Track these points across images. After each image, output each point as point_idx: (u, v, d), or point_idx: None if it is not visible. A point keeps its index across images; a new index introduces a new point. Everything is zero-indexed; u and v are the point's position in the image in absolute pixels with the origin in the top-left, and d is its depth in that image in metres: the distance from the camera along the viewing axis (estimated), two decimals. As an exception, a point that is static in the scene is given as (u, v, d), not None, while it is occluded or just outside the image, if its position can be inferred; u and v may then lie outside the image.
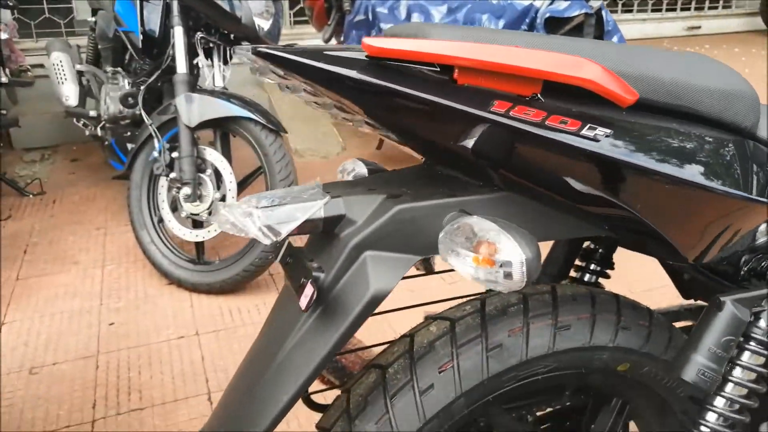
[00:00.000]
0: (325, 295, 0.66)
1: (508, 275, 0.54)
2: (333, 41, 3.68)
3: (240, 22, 2.11)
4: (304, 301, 0.63)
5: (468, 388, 0.75)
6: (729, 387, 0.78)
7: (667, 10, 6.08)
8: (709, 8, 6.25)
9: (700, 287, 1.05)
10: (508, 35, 0.60)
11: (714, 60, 0.67)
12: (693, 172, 0.62)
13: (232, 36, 2.27)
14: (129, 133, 2.60)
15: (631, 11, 5.92)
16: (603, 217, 0.69)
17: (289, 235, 0.65)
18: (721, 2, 6.31)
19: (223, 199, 2.18)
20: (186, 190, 2.14)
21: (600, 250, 1.06)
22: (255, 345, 0.76)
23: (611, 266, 1.07)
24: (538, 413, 1.07)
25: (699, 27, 6.11)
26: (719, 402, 0.78)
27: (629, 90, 0.59)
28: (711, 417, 0.78)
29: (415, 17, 2.68)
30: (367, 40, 0.58)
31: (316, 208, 0.65)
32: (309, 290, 0.63)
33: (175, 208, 2.27)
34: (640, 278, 2.13)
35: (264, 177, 2.14)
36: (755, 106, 0.66)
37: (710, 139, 0.63)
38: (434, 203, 0.64)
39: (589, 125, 0.58)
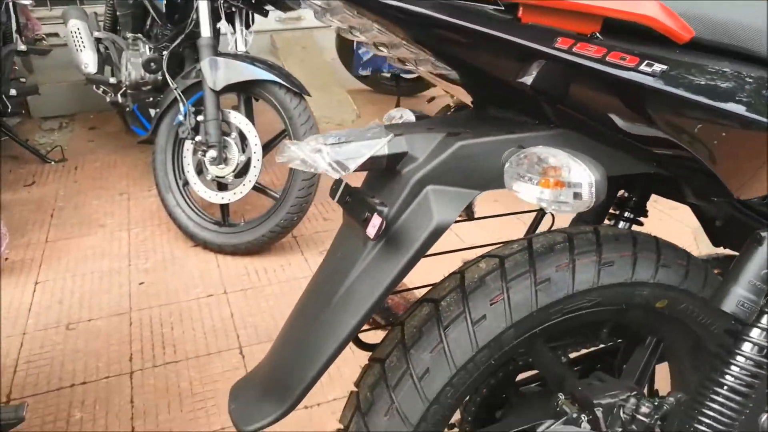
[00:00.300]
0: (389, 227, 0.70)
1: (577, 195, 0.57)
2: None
3: (264, -16, 2.12)
4: (372, 231, 0.67)
5: (517, 320, 0.79)
6: (765, 318, 0.82)
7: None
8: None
9: (730, 234, 1.09)
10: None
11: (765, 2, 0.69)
12: (744, 108, 0.65)
13: (253, 0, 2.27)
14: (151, 99, 2.63)
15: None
16: (654, 154, 0.72)
17: (355, 170, 0.69)
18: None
19: (248, 162, 2.21)
20: (212, 153, 2.17)
21: (634, 198, 1.09)
22: (315, 280, 0.81)
23: (644, 214, 1.10)
24: (573, 355, 1.12)
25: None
26: (755, 333, 0.82)
27: (685, 27, 0.61)
28: (747, 347, 0.82)
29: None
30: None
31: (381, 145, 0.68)
32: (377, 221, 0.67)
33: (200, 171, 2.31)
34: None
35: (288, 139, 2.17)
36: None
37: (762, 78, 0.66)
38: (494, 139, 0.68)
39: (647, 61, 0.61)
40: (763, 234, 0.78)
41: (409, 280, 1.22)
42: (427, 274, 0.91)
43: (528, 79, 0.64)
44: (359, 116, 3.92)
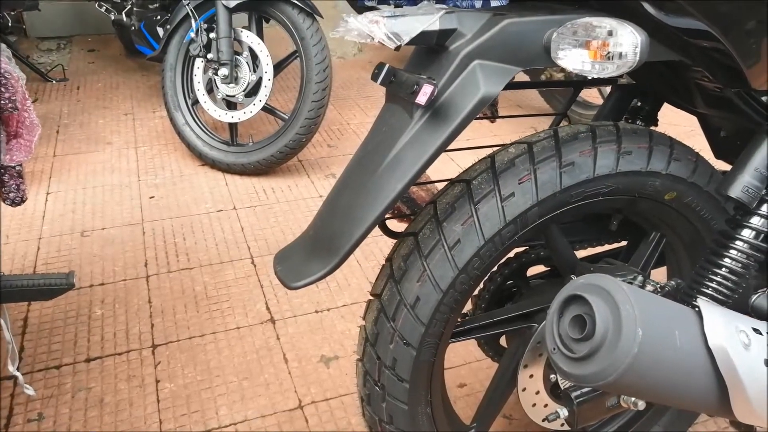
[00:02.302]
0: (437, 98, 0.76)
1: (623, 55, 0.63)
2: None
3: None
4: (423, 98, 0.73)
5: (543, 198, 0.86)
6: (765, 207, 0.90)
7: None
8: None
9: (733, 146, 1.16)
10: None
11: None
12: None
13: None
14: (158, 17, 2.61)
15: None
16: (684, 42, 0.78)
17: (407, 43, 0.74)
18: None
19: (258, 81, 2.24)
20: (224, 71, 2.19)
21: (646, 107, 1.16)
22: (358, 155, 0.87)
23: (655, 123, 1.17)
24: (580, 255, 1.20)
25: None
26: (755, 220, 0.90)
27: None
28: (746, 232, 0.90)
29: None
30: None
31: (433, 20, 0.74)
32: (428, 88, 0.73)
33: (209, 90, 2.33)
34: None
35: (300, 61, 2.20)
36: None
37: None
38: (539, 18, 0.73)
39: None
40: (771, 127, 0.86)
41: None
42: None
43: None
44: (360, 50, 3.92)
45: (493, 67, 0.75)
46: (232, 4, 2.14)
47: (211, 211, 2.18)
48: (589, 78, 0.67)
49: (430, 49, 0.79)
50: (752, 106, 0.92)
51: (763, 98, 0.96)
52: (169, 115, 2.41)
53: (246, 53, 2.23)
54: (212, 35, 2.20)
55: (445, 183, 0.93)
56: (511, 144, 0.92)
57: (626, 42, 0.63)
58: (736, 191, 0.86)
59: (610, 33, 0.63)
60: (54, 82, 3.16)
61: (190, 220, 2.12)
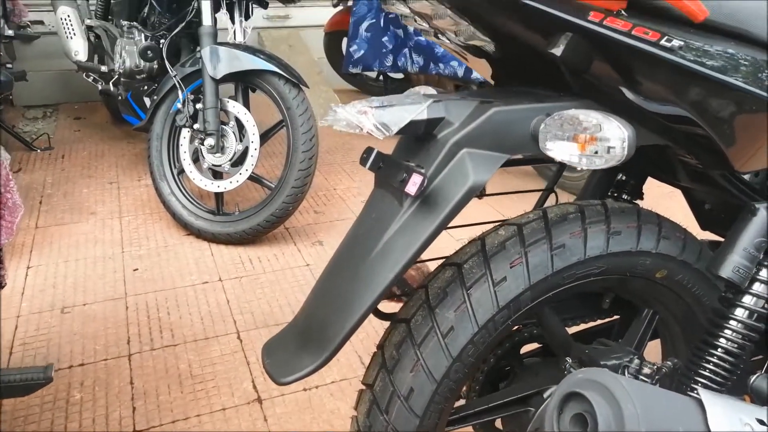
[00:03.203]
0: (426, 187, 0.75)
1: (611, 149, 0.64)
2: (340, 6, 3.73)
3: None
4: (413, 188, 0.72)
5: (535, 281, 0.85)
6: (757, 286, 0.89)
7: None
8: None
9: (718, 218, 1.17)
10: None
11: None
12: (749, 84, 0.72)
13: (253, -9, 2.32)
14: (146, 87, 2.64)
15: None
16: (666, 127, 0.79)
17: (396, 133, 0.74)
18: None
19: (245, 151, 2.25)
20: (210, 141, 2.20)
21: (631, 181, 1.17)
22: (347, 242, 0.85)
23: (641, 196, 1.18)
24: (572, 331, 1.18)
25: None
26: (747, 299, 0.89)
27: (701, 7, 0.68)
28: (740, 312, 0.89)
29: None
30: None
31: (421, 110, 0.74)
32: (417, 179, 0.72)
33: (195, 159, 2.33)
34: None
35: (286, 130, 2.22)
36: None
37: (764, 56, 0.73)
38: (526, 107, 0.74)
39: (666, 36, 0.68)
40: (757, 205, 0.86)
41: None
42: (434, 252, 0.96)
43: (558, 50, 0.71)
44: (346, 115, 3.97)
45: (481, 155, 0.75)
46: (218, 76, 2.17)
47: (197, 282, 2.14)
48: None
49: (419, 136, 0.79)
50: (735, 184, 0.93)
51: (746, 176, 0.97)
52: (154, 184, 2.40)
53: (232, 123, 2.25)
54: (199, 106, 2.22)
55: (438, 262, 0.92)
56: (501, 225, 0.91)
57: (613, 137, 0.64)
58: (727, 272, 0.86)
59: (597, 127, 0.64)
60: (39, 151, 3.15)
61: (174, 293, 2.08)
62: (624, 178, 1.18)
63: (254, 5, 2.35)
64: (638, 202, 1.19)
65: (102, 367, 1.72)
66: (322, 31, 4.21)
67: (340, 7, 3.83)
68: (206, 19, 2.19)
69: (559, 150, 0.67)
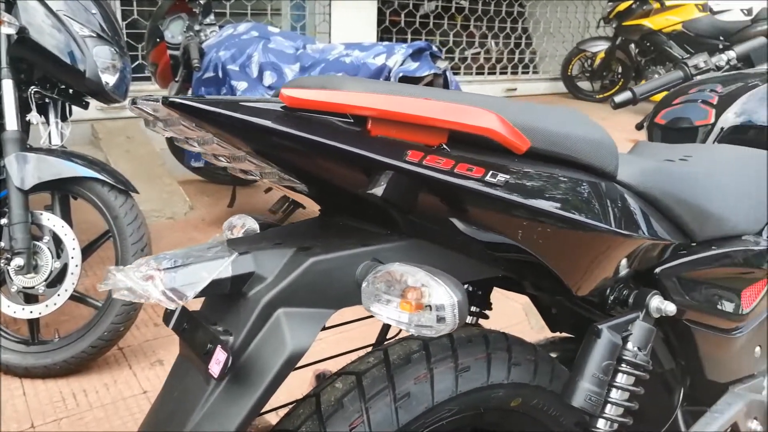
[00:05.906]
0: (236, 359, 0.62)
1: (441, 319, 0.55)
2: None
3: (84, 76, 1.97)
4: (216, 369, 0.58)
5: (380, 442, 0.73)
6: (608, 408, 0.85)
7: (489, 74, 6.80)
8: (522, 73, 7.10)
9: (566, 320, 1.15)
10: (419, 90, 0.64)
11: (581, 113, 0.76)
12: (574, 211, 0.69)
13: (71, 91, 2.10)
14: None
15: (458, 74, 6.50)
16: (502, 259, 0.73)
17: (195, 297, 0.61)
18: (531, 68, 7.20)
19: (63, 268, 1.96)
20: (18, 261, 1.89)
21: (479, 292, 1.12)
22: (148, 425, 0.69)
23: (489, 307, 1.13)
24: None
25: (515, 89, 6.88)
26: (601, 423, 0.85)
27: (522, 138, 0.64)
28: (597, 437, 0.84)
29: (268, 76, 2.69)
30: (286, 91, 0.58)
31: (224, 266, 0.62)
32: (221, 356, 0.59)
33: (1, 282, 1.99)
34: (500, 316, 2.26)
35: (113, 242, 1.98)
36: (615, 152, 0.76)
37: (586, 183, 0.71)
38: (348, 253, 0.64)
39: (491, 172, 0.63)
40: (600, 326, 0.83)
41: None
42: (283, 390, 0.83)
43: (379, 191, 0.62)
44: (192, 208, 3.75)
45: (300, 314, 0.63)
46: (27, 187, 1.89)
47: (1, 433, 1.77)
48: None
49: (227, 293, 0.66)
50: (576, 303, 0.90)
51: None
52: (-51, 314, 2.00)
53: (47, 238, 1.96)
54: (3, 221, 1.91)
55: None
56: (338, 375, 0.79)
57: (443, 302, 0.55)
58: (579, 401, 0.81)
59: (425, 292, 0.55)
60: None
61: (-30, 452, 1.69)
62: (471, 289, 1.13)
63: (72, 105, 2.13)
64: (487, 312, 1.15)
65: None
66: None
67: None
68: (10, 123, 1.92)
69: (386, 314, 0.57)
